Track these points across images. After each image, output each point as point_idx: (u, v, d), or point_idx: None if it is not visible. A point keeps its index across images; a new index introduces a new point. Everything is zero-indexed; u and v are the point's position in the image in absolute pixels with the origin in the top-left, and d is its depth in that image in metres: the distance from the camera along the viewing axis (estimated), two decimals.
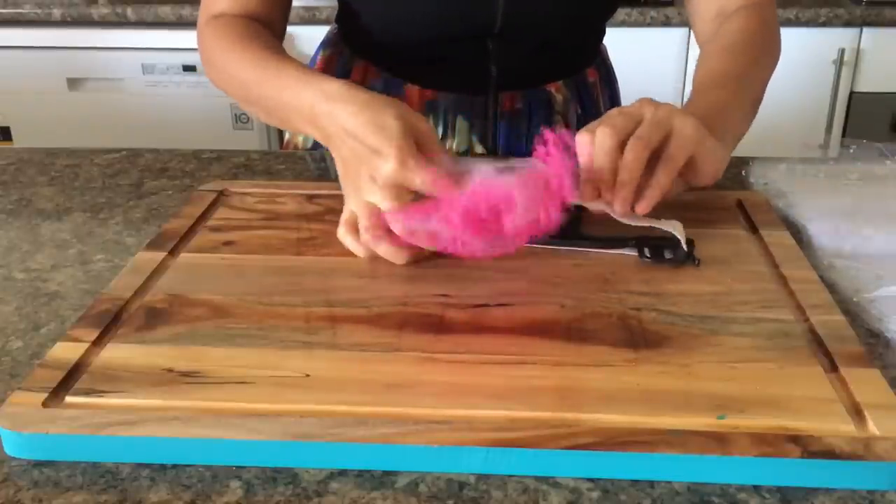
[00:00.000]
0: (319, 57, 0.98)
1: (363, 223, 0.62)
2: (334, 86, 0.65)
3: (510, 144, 0.94)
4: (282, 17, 0.88)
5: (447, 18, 0.86)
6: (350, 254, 0.66)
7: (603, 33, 1.01)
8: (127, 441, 0.46)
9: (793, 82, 2.05)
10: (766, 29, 0.84)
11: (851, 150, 0.85)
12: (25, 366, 0.55)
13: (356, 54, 0.94)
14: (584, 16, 0.92)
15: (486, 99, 0.92)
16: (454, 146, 0.93)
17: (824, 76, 2.06)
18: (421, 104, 0.92)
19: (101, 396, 0.49)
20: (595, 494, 0.45)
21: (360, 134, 0.60)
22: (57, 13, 2.05)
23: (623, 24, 1.95)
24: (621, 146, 0.61)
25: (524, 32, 0.87)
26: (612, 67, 1.05)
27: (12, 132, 2.16)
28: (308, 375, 0.51)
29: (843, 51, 2.03)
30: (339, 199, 0.77)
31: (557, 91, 0.94)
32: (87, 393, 0.50)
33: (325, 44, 0.99)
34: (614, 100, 1.04)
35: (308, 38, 1.91)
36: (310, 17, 1.93)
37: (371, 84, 0.91)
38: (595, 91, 0.99)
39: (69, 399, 0.49)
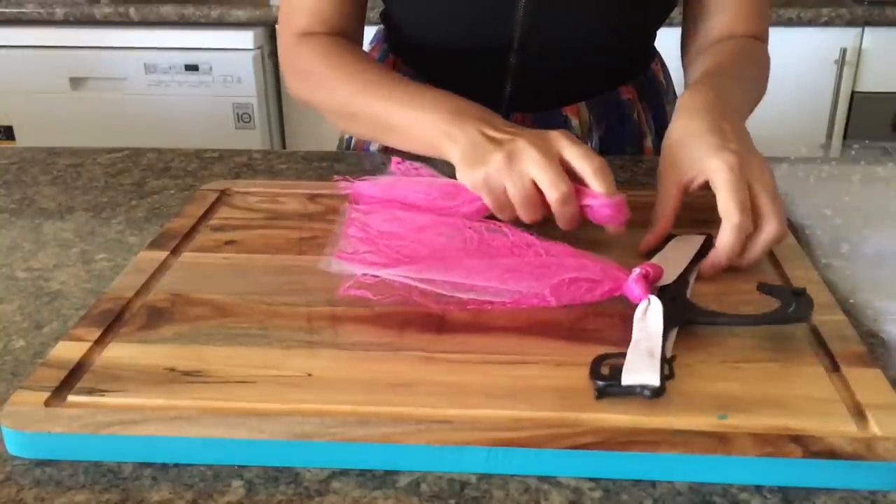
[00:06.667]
0: (367, 49, 1.00)
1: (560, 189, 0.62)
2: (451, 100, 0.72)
3: None
4: (360, 29, 0.92)
5: (463, 29, 0.86)
6: None
7: (646, 52, 0.97)
8: (129, 440, 0.46)
9: (794, 82, 2.05)
10: (761, 62, 0.86)
11: (853, 151, 0.84)
12: (28, 365, 0.55)
13: (391, 50, 0.98)
14: (612, 41, 0.89)
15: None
16: None
17: (826, 76, 2.06)
18: None
19: (104, 396, 0.50)
20: (597, 494, 0.45)
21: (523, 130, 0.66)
22: (59, 12, 2.05)
23: None
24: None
25: (546, 51, 0.86)
26: (662, 84, 0.99)
27: (15, 131, 2.16)
28: (310, 375, 0.51)
29: (844, 50, 2.03)
30: (341, 198, 0.77)
31: (575, 115, 0.92)
32: (90, 392, 0.50)
33: (374, 38, 1.03)
34: (658, 120, 0.97)
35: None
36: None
37: None
38: (633, 108, 0.95)
39: (71, 398, 0.49)
